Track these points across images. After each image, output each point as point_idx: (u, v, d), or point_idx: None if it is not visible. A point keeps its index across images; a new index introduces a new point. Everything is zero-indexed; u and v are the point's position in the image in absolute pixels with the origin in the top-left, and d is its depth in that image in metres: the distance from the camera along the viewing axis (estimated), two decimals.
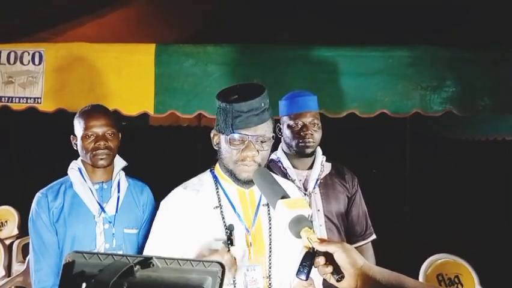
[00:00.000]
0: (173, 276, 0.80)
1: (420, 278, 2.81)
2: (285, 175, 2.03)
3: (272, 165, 2.09)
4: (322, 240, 1.02)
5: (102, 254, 0.79)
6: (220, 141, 1.42)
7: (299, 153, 2.05)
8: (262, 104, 1.35)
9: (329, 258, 1.00)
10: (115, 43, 2.72)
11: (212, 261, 0.82)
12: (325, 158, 2.14)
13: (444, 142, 6.41)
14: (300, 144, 2.01)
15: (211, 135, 1.47)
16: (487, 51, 2.61)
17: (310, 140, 2.00)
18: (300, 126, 2.00)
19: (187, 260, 0.81)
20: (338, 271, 0.98)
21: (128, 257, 0.78)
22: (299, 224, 1.06)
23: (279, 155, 2.13)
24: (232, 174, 1.42)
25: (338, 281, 0.98)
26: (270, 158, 2.13)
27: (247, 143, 1.36)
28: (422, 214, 5.97)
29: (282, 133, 2.10)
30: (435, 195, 6.84)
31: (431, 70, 2.56)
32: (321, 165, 2.10)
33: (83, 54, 2.62)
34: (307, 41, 2.77)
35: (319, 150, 2.11)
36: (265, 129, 1.37)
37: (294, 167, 2.08)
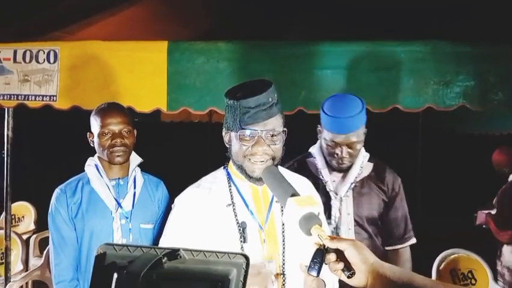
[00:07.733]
0: (200, 267, 0.83)
1: (433, 273, 2.80)
2: (318, 174, 2.00)
3: (309, 162, 2.05)
4: (333, 237, 1.04)
5: (131, 246, 0.82)
6: (231, 138, 1.44)
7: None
8: (270, 99, 1.36)
9: (340, 255, 1.01)
10: (128, 41, 2.75)
11: (237, 253, 0.85)
12: (368, 157, 2.04)
13: (457, 137, 6.34)
14: (333, 162, 1.96)
15: (223, 133, 1.49)
16: (500, 45, 2.57)
17: (345, 160, 1.93)
18: (337, 147, 1.91)
19: (212, 251, 0.84)
20: (348, 268, 0.99)
21: (156, 249, 0.81)
22: (309, 221, 1.08)
23: (316, 152, 2.05)
24: (243, 171, 1.43)
25: (348, 277, 1.00)
26: (308, 151, 2.10)
27: (257, 138, 1.37)
28: (435, 209, 5.93)
29: (321, 132, 2.00)
30: (448, 190, 6.78)
31: (444, 65, 2.53)
32: (360, 168, 2.00)
33: (97, 52, 2.65)
34: (317, 38, 2.75)
35: (361, 152, 2.00)
36: (274, 123, 1.39)
37: (329, 167, 2.01)
